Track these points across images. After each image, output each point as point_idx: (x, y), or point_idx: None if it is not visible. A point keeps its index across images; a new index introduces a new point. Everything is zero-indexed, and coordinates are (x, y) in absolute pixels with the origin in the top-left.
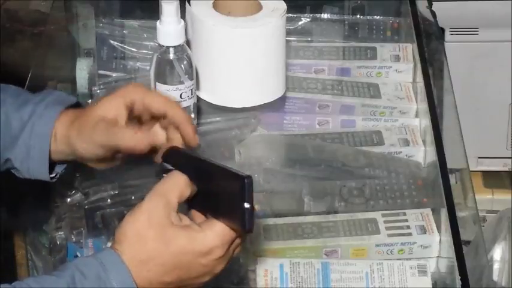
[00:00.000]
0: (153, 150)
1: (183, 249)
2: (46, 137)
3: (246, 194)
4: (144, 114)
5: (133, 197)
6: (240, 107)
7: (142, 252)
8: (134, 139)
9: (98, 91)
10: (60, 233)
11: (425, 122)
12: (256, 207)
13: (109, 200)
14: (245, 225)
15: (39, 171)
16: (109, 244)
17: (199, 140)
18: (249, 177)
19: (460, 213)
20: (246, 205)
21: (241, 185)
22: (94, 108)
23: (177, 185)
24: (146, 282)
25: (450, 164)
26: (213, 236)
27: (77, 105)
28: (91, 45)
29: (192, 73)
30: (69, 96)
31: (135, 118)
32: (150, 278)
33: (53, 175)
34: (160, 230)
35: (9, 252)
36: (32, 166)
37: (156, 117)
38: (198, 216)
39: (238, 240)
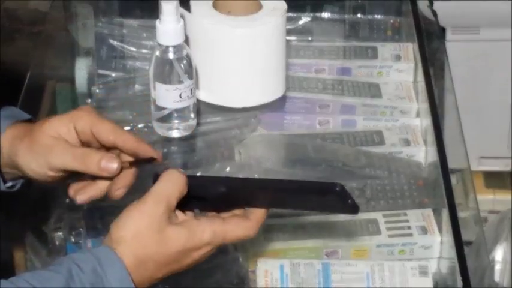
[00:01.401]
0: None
1: (180, 247)
2: None
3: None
4: (92, 142)
5: (132, 198)
6: (240, 107)
7: (141, 253)
8: (101, 165)
9: (97, 91)
10: (59, 233)
11: (426, 121)
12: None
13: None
14: (353, 205)
15: None
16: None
17: (199, 140)
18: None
19: (462, 214)
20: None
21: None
22: (43, 127)
23: (177, 185)
24: (142, 280)
25: (451, 164)
26: (209, 231)
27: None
28: (90, 45)
29: (192, 72)
30: (23, 113)
31: (84, 144)
32: (146, 275)
33: (9, 184)
34: (160, 232)
35: (8, 253)
36: None
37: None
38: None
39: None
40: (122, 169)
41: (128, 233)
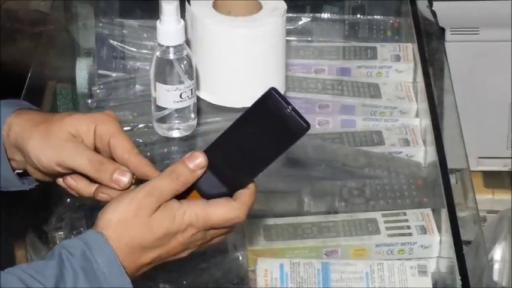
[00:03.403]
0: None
1: (164, 229)
2: None
3: (281, 99)
4: (104, 151)
5: None
6: (240, 107)
7: (126, 237)
8: (114, 177)
9: (98, 91)
10: (60, 233)
11: (426, 121)
12: (257, 207)
13: None
14: (303, 124)
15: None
16: None
17: (199, 140)
18: (273, 88)
19: (461, 213)
20: (288, 109)
21: (270, 96)
22: (64, 121)
23: (175, 184)
24: (129, 263)
25: (450, 164)
26: (190, 212)
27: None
28: (91, 45)
29: (192, 73)
30: (32, 106)
31: (96, 149)
32: (133, 259)
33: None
34: (146, 217)
35: (8, 252)
36: None
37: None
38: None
39: (219, 227)
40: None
41: (114, 217)
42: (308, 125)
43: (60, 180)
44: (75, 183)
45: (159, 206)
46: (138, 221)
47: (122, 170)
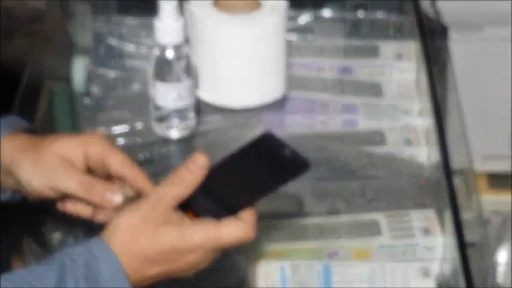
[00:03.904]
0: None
1: (172, 246)
2: None
3: (278, 140)
4: (98, 169)
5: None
6: (240, 107)
7: (133, 245)
8: (105, 197)
9: (95, 90)
10: (57, 235)
11: (429, 121)
12: (257, 208)
13: None
14: (305, 161)
15: None
16: None
17: (199, 140)
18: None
19: (464, 215)
20: (287, 149)
21: (268, 138)
22: (53, 146)
23: (180, 188)
24: (133, 273)
25: (454, 164)
26: (200, 233)
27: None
28: (88, 44)
29: (191, 72)
30: (22, 121)
31: (90, 169)
32: (137, 269)
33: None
34: (153, 228)
35: (5, 254)
36: None
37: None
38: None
39: (229, 247)
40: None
41: (123, 224)
42: (309, 164)
43: (60, 206)
44: (73, 208)
45: (168, 216)
46: (144, 230)
47: (112, 188)
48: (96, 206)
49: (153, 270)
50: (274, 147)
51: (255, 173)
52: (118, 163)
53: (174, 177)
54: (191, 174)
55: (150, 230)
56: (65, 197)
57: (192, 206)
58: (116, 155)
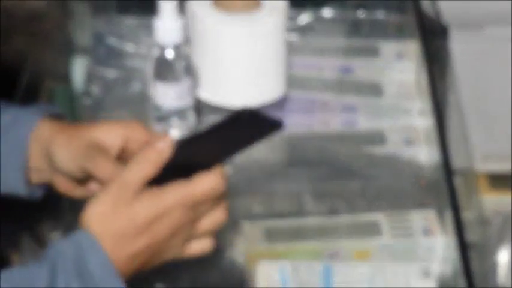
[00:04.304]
0: None
1: (147, 215)
2: (24, 141)
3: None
4: (129, 155)
5: None
6: (240, 106)
7: (109, 230)
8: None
9: (95, 89)
10: (57, 233)
11: (429, 121)
12: (257, 208)
13: None
14: (277, 121)
15: (14, 181)
16: None
17: None
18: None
19: (465, 215)
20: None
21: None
22: (91, 128)
23: (145, 168)
24: (119, 256)
25: (455, 164)
26: (171, 194)
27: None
28: (88, 43)
29: (191, 72)
30: (56, 108)
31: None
32: (119, 250)
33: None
34: (124, 209)
35: (5, 253)
36: (6, 175)
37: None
38: None
39: (206, 202)
40: None
41: (94, 214)
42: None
43: (83, 190)
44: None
45: (138, 195)
46: (117, 213)
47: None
48: None
49: (135, 246)
50: (245, 115)
51: (224, 139)
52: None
53: (139, 158)
54: (156, 152)
55: (121, 212)
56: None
57: (162, 183)
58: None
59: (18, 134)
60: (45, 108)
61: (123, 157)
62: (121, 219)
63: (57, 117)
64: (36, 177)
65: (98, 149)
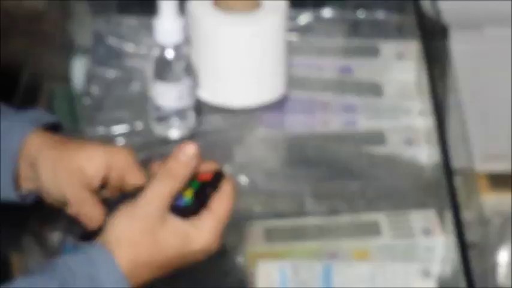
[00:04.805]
0: None
1: (175, 253)
2: (14, 150)
3: None
4: (114, 181)
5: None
6: (240, 107)
7: (136, 257)
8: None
9: (95, 90)
10: (57, 234)
11: (429, 121)
12: (257, 208)
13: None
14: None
15: (4, 188)
16: None
17: (199, 140)
18: None
19: (465, 215)
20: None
21: None
22: (77, 154)
23: (168, 185)
24: (136, 283)
25: (455, 164)
26: (206, 234)
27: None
28: (88, 43)
29: (191, 72)
30: (49, 115)
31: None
32: (140, 278)
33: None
34: (153, 235)
35: (5, 254)
36: None
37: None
38: None
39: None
40: None
41: (122, 236)
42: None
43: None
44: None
45: (164, 219)
46: (145, 237)
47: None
48: None
49: (154, 275)
50: None
51: None
52: (138, 183)
53: (164, 172)
54: (183, 166)
55: (150, 236)
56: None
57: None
58: (136, 175)
59: (9, 142)
60: (40, 116)
61: (104, 185)
62: (147, 247)
63: (52, 125)
64: (27, 185)
65: (82, 179)
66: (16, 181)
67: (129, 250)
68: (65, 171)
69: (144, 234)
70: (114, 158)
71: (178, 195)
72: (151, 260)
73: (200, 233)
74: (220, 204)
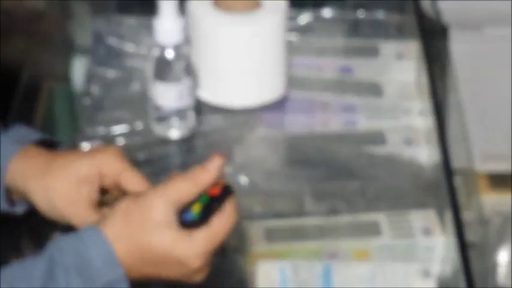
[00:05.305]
0: None
1: (163, 251)
2: (3, 167)
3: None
4: (112, 187)
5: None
6: (240, 107)
7: (124, 227)
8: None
9: (95, 90)
10: (57, 234)
11: (429, 121)
12: (257, 208)
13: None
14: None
15: None
16: None
17: (199, 140)
18: None
19: (465, 215)
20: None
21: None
22: (65, 170)
23: (186, 183)
24: (124, 255)
25: (455, 164)
26: (194, 245)
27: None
28: (88, 43)
29: (191, 72)
30: (32, 131)
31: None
32: (128, 265)
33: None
34: (148, 217)
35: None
36: None
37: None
38: None
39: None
40: None
41: (118, 209)
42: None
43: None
44: None
45: (167, 211)
46: (138, 216)
47: None
48: None
49: (146, 270)
50: None
51: None
52: (134, 184)
53: (187, 174)
54: (206, 172)
55: (143, 217)
56: None
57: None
58: (132, 177)
59: None
60: (18, 134)
61: (105, 191)
62: (139, 226)
63: (40, 142)
64: (18, 196)
65: (79, 199)
66: (7, 194)
67: (116, 222)
68: (60, 198)
69: (140, 223)
70: (102, 166)
71: (187, 208)
72: (140, 248)
73: (190, 243)
74: (219, 222)
